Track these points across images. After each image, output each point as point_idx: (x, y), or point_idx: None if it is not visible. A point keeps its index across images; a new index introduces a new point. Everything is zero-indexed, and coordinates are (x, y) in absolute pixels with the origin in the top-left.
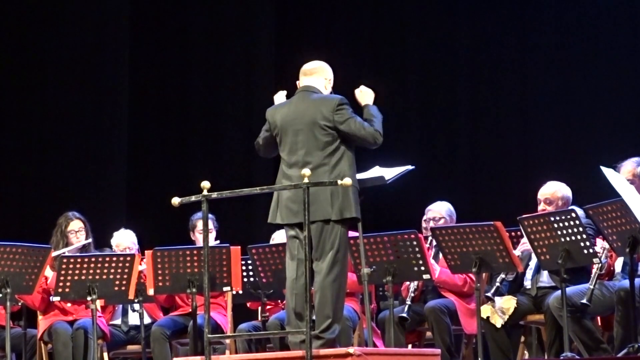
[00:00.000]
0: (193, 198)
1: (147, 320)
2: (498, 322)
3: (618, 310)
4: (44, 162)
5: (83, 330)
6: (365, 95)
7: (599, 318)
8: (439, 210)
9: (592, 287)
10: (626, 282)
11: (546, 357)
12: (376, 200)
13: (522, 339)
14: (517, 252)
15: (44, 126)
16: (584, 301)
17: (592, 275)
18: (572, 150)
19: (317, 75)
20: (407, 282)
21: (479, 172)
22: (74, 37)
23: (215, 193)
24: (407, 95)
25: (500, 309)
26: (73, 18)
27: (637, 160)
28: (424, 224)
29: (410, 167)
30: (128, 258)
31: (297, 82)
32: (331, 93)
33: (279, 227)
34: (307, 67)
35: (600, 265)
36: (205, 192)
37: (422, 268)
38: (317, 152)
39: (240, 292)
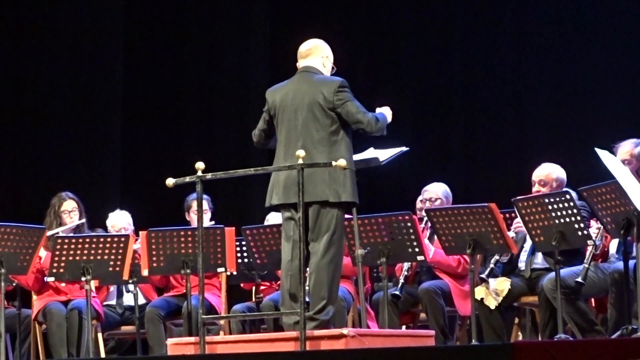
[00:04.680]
0: (187, 179)
1: (141, 301)
2: (492, 303)
3: (612, 292)
4: (38, 143)
5: (77, 310)
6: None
7: (592, 300)
8: (436, 191)
9: (587, 265)
10: (620, 264)
11: (540, 339)
12: (370, 181)
13: (516, 320)
14: (510, 234)
15: (38, 106)
16: (579, 280)
17: (587, 255)
18: (567, 132)
19: (313, 55)
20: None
21: (474, 154)
22: (68, 15)
23: (210, 174)
24: (402, 76)
25: (494, 291)
26: None
27: (635, 141)
28: (419, 204)
29: (404, 148)
30: (122, 239)
31: (297, 64)
32: (333, 68)
33: (276, 209)
34: (303, 48)
35: (594, 245)
36: (199, 173)
37: (417, 249)
38: (316, 133)
39: (235, 273)
